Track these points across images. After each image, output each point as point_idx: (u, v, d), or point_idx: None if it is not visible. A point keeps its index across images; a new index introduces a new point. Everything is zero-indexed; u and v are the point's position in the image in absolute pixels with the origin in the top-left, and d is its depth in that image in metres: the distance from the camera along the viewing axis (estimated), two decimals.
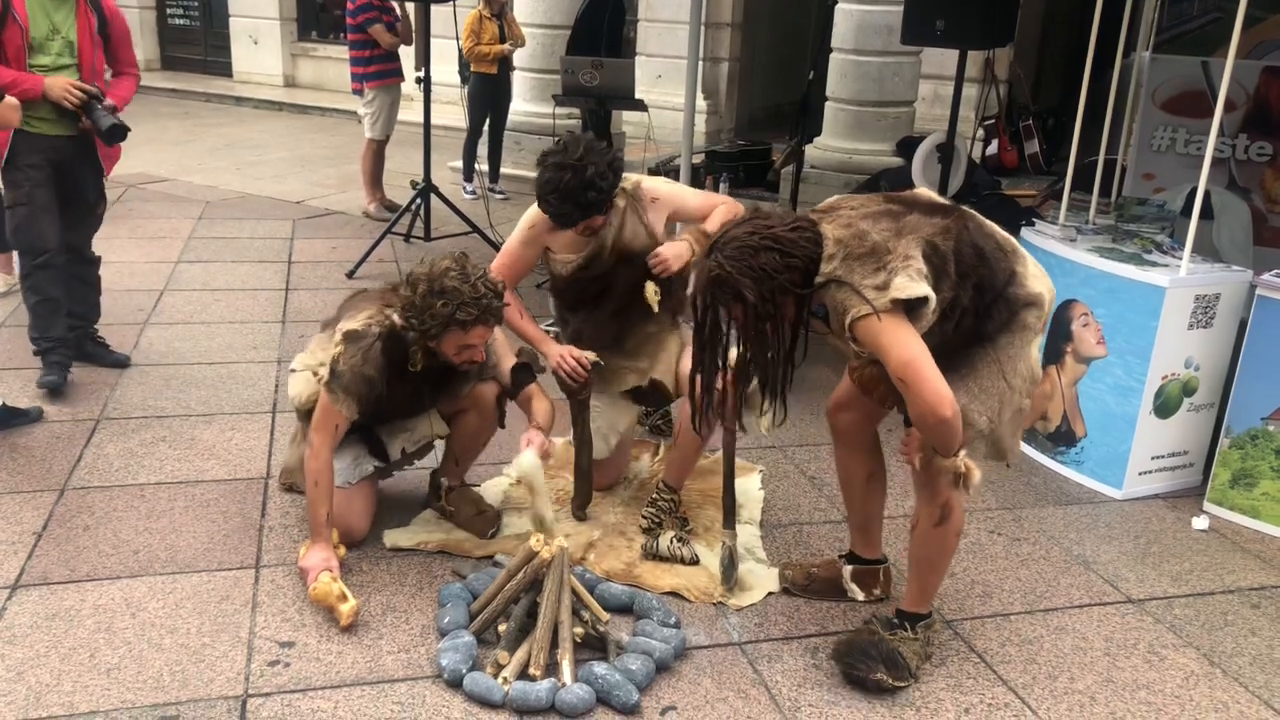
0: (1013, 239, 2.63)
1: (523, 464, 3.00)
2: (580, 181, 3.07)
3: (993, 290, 2.52)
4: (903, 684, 2.70)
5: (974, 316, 2.52)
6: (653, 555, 3.20)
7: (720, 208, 3.34)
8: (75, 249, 4.36)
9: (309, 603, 2.92)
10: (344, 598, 2.86)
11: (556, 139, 3.28)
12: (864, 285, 2.37)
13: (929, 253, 2.42)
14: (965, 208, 2.63)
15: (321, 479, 2.99)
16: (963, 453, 2.52)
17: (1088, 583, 3.28)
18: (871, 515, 3.05)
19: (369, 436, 3.29)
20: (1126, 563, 3.42)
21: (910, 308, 2.38)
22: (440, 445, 3.44)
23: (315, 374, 3.17)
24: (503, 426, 3.39)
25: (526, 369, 3.24)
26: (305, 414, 3.21)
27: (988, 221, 2.63)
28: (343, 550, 3.11)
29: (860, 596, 3.09)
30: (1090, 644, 2.96)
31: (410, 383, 3.10)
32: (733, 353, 2.72)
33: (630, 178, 3.35)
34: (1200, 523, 3.70)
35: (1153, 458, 3.88)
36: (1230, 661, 2.92)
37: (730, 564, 3.06)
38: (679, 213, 3.44)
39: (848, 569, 3.10)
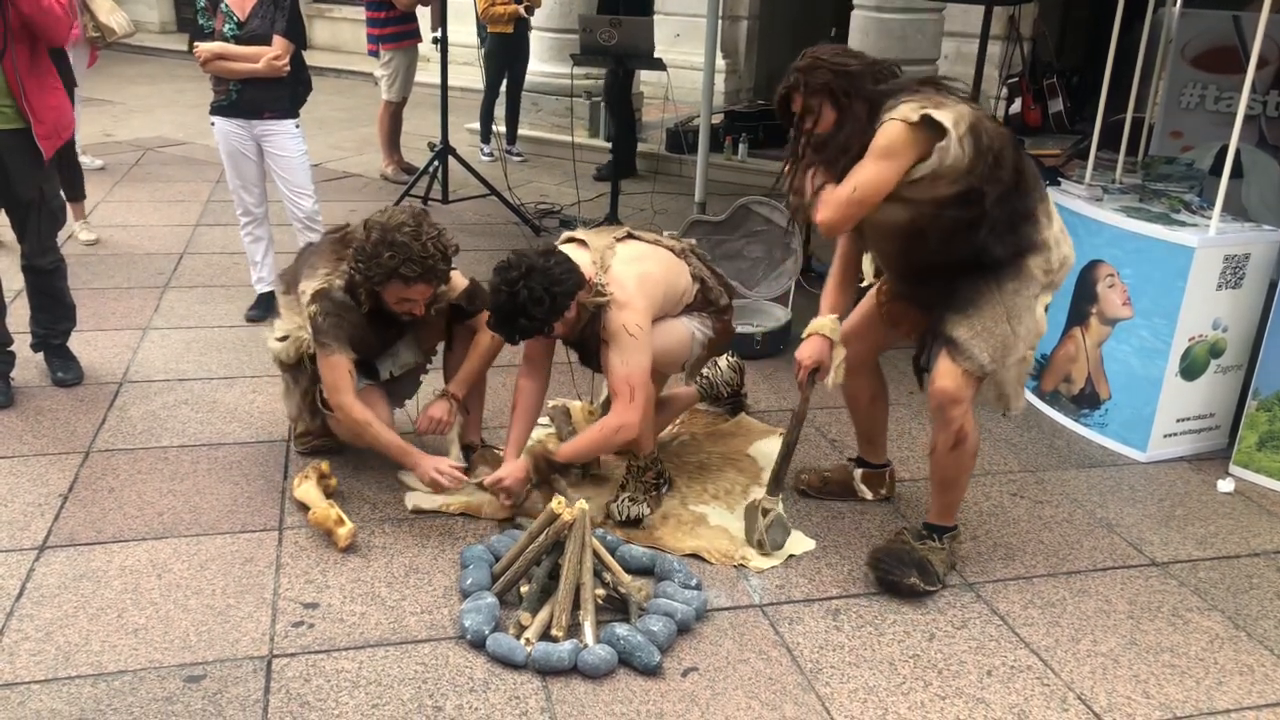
0: (1049, 195, 2.85)
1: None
2: (512, 306, 2.91)
3: (1011, 211, 2.72)
4: (933, 588, 2.95)
5: (989, 230, 2.70)
6: (609, 517, 3.19)
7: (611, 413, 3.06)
8: (25, 255, 3.91)
9: (331, 565, 2.95)
10: (341, 521, 3.03)
11: (511, 252, 3.00)
12: (910, 100, 2.64)
13: (977, 129, 2.63)
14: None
15: (370, 420, 3.19)
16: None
17: (1111, 545, 3.27)
18: (876, 429, 3.43)
19: (361, 365, 3.39)
20: (1150, 525, 3.40)
21: (933, 131, 2.58)
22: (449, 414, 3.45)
23: (298, 337, 3.32)
24: (450, 349, 3.50)
25: (472, 296, 3.34)
26: (288, 366, 3.41)
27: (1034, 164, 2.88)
28: (334, 481, 3.30)
29: (869, 496, 3.45)
30: (1114, 607, 2.95)
31: (382, 325, 3.28)
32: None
33: (611, 295, 3.01)
34: (1226, 485, 3.67)
35: (1178, 420, 3.84)
36: (1255, 625, 2.91)
37: (781, 528, 3.10)
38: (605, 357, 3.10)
39: (858, 472, 3.47)
